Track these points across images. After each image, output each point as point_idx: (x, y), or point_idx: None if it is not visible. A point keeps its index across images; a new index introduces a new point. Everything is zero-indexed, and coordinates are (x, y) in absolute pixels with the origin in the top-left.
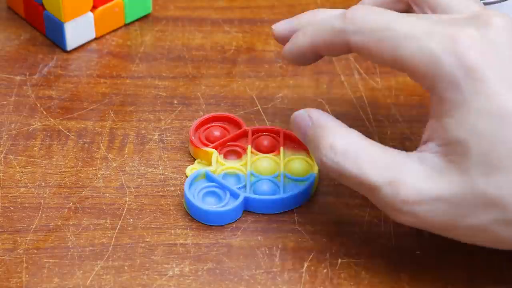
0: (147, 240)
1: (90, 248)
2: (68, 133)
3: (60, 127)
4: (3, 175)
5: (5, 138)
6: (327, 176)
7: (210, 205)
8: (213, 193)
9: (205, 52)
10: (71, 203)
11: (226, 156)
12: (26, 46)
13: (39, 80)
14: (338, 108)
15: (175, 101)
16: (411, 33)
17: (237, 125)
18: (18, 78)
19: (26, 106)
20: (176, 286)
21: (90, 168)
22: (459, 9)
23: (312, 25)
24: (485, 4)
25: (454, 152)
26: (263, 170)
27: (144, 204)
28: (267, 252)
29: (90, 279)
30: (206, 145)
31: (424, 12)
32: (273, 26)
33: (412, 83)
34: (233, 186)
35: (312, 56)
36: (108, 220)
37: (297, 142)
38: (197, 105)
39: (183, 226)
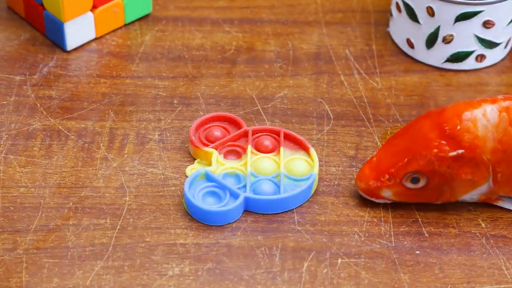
0: (147, 240)
1: (90, 248)
2: (68, 133)
3: (60, 127)
4: (3, 175)
5: (5, 138)
6: (327, 176)
7: (210, 205)
8: (213, 193)
9: (205, 52)
10: (71, 203)
11: (226, 156)
12: (26, 46)
13: (39, 80)
14: (338, 108)
15: (175, 101)
16: None
17: (237, 125)
18: (18, 78)
19: (26, 106)
20: (176, 286)
21: (90, 168)
22: None
23: None
24: (485, 4)
25: None
26: (263, 170)
27: (144, 204)
28: (267, 252)
29: (90, 279)
30: (206, 145)
31: None
32: None
33: (412, 83)
34: (233, 186)
35: None
36: (108, 220)
37: (297, 142)
38: (197, 105)
39: (183, 226)
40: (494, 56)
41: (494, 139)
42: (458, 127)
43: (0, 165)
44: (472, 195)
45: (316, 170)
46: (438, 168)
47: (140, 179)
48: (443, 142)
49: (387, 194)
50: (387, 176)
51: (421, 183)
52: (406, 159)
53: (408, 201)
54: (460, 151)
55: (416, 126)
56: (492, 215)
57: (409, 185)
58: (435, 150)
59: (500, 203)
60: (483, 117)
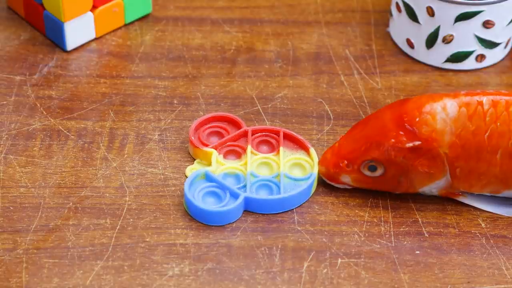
0: (147, 240)
1: (90, 248)
2: (68, 133)
3: (60, 127)
4: (3, 175)
5: (5, 138)
6: None
7: (210, 205)
8: (213, 193)
9: (205, 52)
10: (71, 203)
11: (226, 156)
12: (26, 46)
13: (39, 80)
14: (338, 108)
15: (175, 101)
16: None
17: (237, 125)
18: (18, 78)
19: (26, 106)
20: (176, 286)
21: (90, 168)
22: None
23: None
24: (485, 4)
25: None
26: (263, 170)
27: (144, 204)
28: (267, 252)
29: (90, 279)
30: (206, 145)
31: None
32: None
33: (412, 83)
34: (233, 186)
35: None
36: (108, 220)
37: (297, 142)
38: (197, 105)
39: (183, 226)
40: (494, 56)
41: (452, 133)
42: (417, 119)
43: (0, 165)
44: (431, 188)
45: (316, 170)
46: (395, 158)
47: (140, 179)
48: (401, 132)
49: (347, 179)
50: (345, 162)
51: (379, 171)
52: (363, 147)
53: (368, 188)
54: (417, 142)
55: (379, 115)
56: (492, 215)
57: (367, 172)
58: (392, 140)
59: (461, 199)
60: (443, 111)
